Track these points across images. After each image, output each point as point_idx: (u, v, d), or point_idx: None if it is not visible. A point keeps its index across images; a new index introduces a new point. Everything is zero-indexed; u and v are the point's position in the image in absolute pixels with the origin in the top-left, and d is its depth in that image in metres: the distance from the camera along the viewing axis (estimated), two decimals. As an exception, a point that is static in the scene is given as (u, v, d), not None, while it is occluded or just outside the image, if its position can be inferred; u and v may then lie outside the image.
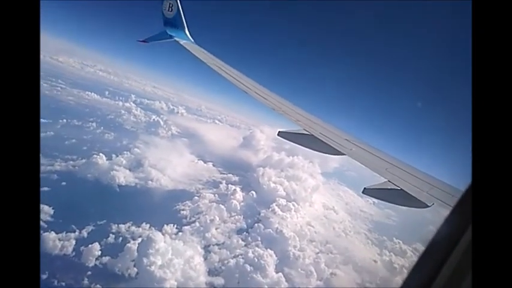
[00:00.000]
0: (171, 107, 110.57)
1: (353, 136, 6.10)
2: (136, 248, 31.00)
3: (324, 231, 54.50)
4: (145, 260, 28.90)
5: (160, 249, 30.03)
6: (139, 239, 32.78)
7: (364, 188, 5.33)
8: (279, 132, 5.58)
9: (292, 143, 5.69)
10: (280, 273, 34.75)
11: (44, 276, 28.25)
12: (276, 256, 40.14)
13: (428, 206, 4.72)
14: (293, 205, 54.87)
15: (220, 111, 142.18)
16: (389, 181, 5.01)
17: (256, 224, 47.48)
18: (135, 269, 29.65)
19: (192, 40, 8.43)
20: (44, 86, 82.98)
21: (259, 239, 44.07)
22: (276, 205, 53.18)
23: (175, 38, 8.18)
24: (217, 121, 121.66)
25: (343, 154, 5.33)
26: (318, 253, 46.83)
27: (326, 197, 69.84)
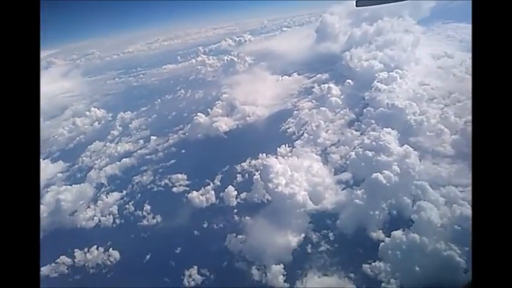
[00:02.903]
0: (237, 39, 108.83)
1: None
2: (259, 177, 33.69)
3: (443, 83, 48.21)
4: (270, 185, 31.29)
5: (279, 170, 31.80)
6: (261, 169, 35.33)
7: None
8: (357, 2, 4.74)
9: (375, 6, 4.89)
10: (406, 145, 32.78)
11: (205, 226, 33.82)
12: (396, 130, 37.87)
13: None
14: (396, 73, 49.54)
15: (284, 17, 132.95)
16: None
17: (364, 109, 45.09)
18: (268, 195, 32.57)
19: None
20: (130, 79, 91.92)
21: (373, 122, 42.03)
22: (378, 81, 48.89)
23: None
24: (284, 28, 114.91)
25: None
26: (443, 108, 42.23)
27: (432, 46, 60.51)
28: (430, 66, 53.87)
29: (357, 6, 4.71)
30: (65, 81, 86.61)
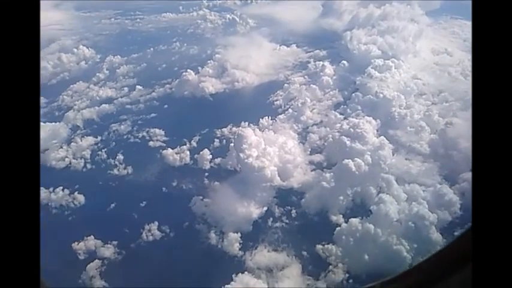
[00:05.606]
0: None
1: None
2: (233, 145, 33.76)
3: (436, 80, 47.87)
4: (242, 155, 31.37)
5: (253, 142, 31.75)
6: (235, 138, 35.24)
7: None
8: None
9: None
10: (382, 137, 33.04)
11: (174, 184, 34.12)
12: (379, 120, 37.99)
13: None
14: (392, 62, 48.73)
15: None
16: None
17: (353, 94, 44.78)
18: (239, 164, 32.77)
19: None
20: (126, 22, 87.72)
21: (359, 108, 41.93)
22: (372, 68, 48.14)
23: None
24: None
25: None
26: (429, 106, 42.25)
27: (435, 41, 59.22)
28: (427, 60, 53.05)
29: None
30: (55, 12, 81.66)
